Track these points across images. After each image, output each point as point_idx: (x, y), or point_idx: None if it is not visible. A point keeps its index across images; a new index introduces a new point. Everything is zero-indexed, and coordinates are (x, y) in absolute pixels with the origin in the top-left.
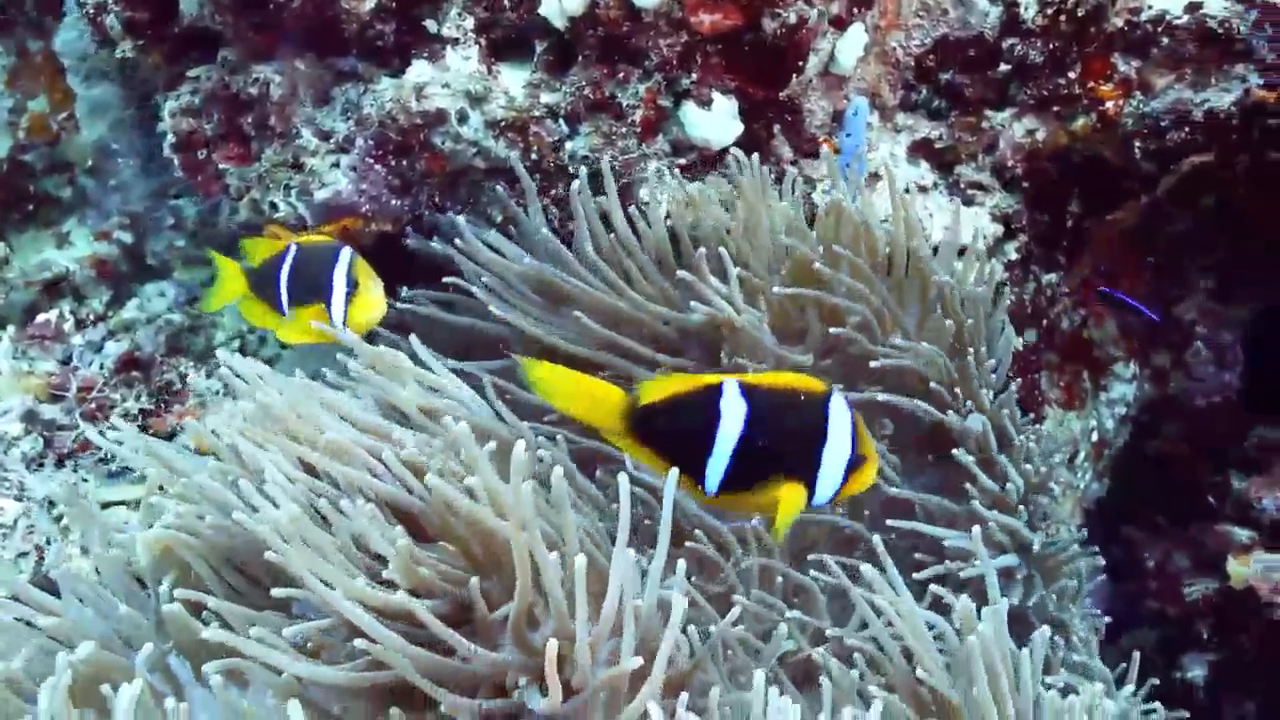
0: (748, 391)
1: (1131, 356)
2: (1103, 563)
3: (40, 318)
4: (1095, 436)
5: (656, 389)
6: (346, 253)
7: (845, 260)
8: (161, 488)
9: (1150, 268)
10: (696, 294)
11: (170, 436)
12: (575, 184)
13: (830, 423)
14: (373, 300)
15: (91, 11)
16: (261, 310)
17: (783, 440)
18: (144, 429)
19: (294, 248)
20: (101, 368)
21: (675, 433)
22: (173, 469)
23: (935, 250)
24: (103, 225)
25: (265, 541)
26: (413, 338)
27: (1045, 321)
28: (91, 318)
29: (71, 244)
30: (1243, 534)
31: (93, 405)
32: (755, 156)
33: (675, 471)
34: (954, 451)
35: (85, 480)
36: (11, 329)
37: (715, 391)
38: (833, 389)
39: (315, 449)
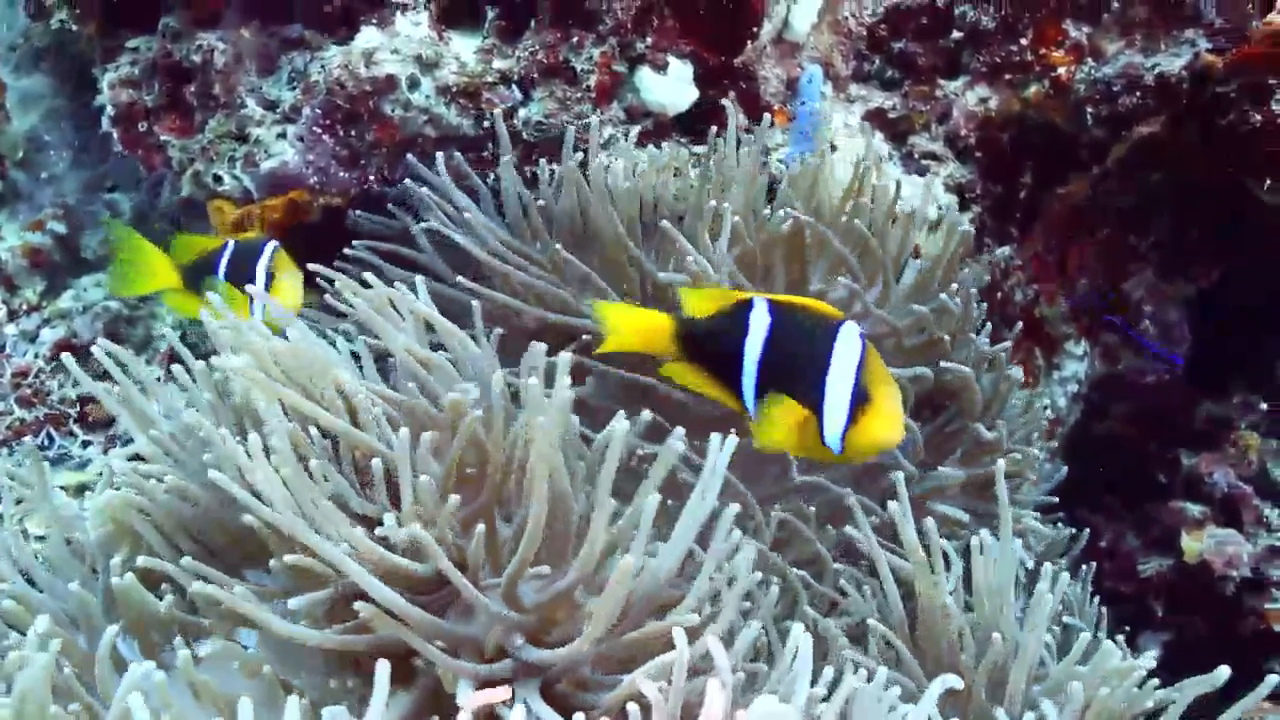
0: (775, 308)
1: (1082, 334)
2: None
3: None
4: (1049, 414)
5: (698, 304)
6: (270, 246)
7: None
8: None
9: (1099, 244)
10: (676, 251)
11: (110, 422)
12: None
13: (835, 350)
14: (286, 292)
15: None
16: (195, 304)
17: (793, 361)
18: (82, 416)
19: (231, 244)
20: (36, 356)
21: (714, 350)
22: (142, 416)
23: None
24: (35, 217)
25: (247, 502)
26: (419, 280)
27: (999, 295)
28: (25, 307)
29: (2, 238)
30: (1195, 509)
31: (28, 391)
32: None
33: (733, 439)
34: (978, 426)
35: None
36: None
37: (747, 307)
38: (845, 319)
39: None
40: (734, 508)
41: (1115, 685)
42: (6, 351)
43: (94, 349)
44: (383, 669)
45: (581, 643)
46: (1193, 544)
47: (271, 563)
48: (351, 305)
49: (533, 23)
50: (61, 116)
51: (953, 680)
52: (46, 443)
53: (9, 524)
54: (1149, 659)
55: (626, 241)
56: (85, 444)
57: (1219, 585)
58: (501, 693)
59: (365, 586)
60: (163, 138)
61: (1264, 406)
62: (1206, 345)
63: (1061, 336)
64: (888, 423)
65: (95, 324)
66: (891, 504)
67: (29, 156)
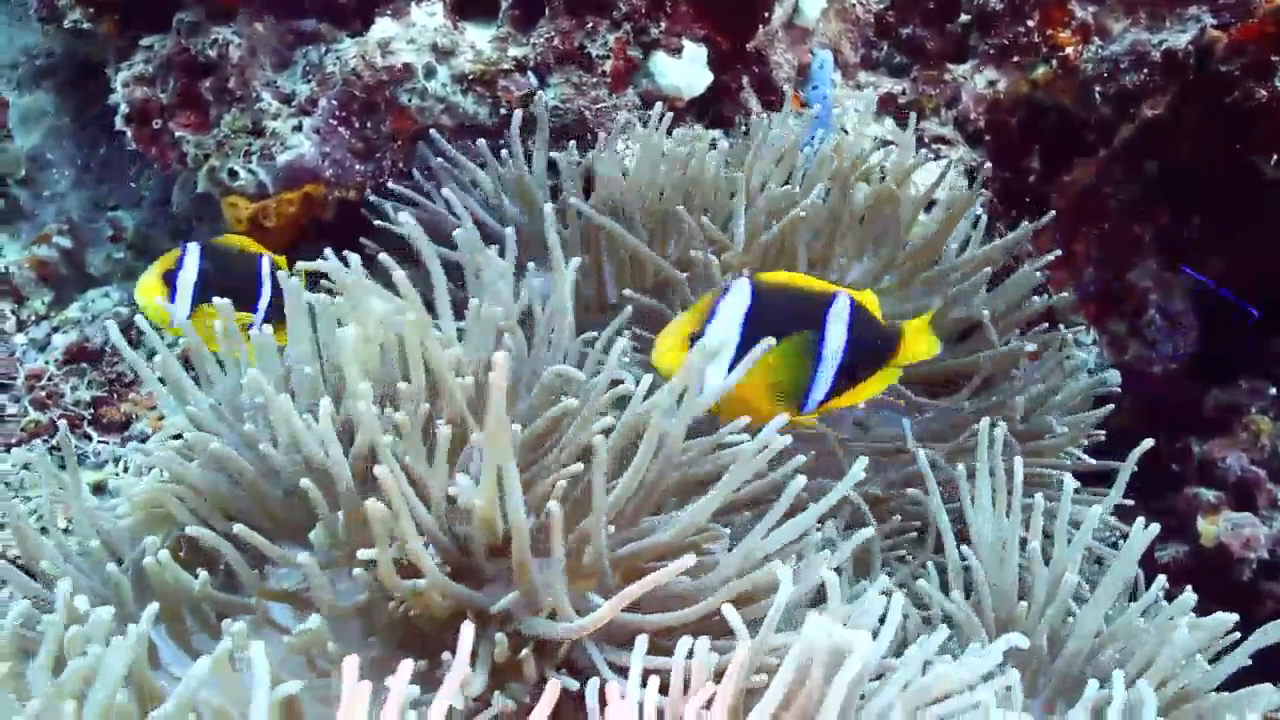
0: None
1: (1090, 323)
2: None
3: None
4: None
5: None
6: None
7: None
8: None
9: (1105, 234)
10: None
11: (125, 425)
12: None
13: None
14: None
15: None
16: None
17: None
18: (96, 418)
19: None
20: (49, 361)
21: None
22: (180, 390)
23: None
24: (39, 234)
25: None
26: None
27: None
28: (34, 318)
29: (4, 257)
30: (1209, 494)
31: (43, 393)
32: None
33: (863, 460)
34: (1048, 419)
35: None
36: None
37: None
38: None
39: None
40: (868, 531)
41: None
42: (18, 357)
43: (138, 319)
44: (467, 630)
45: (703, 607)
46: (1209, 528)
47: (313, 534)
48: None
49: (547, 10)
50: (64, 135)
51: (1017, 639)
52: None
53: (47, 515)
54: (1227, 615)
55: (697, 228)
56: (100, 445)
57: (1236, 569)
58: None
59: (511, 516)
60: (177, 134)
61: (1273, 391)
62: (1214, 333)
63: (1070, 325)
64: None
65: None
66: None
67: (31, 174)
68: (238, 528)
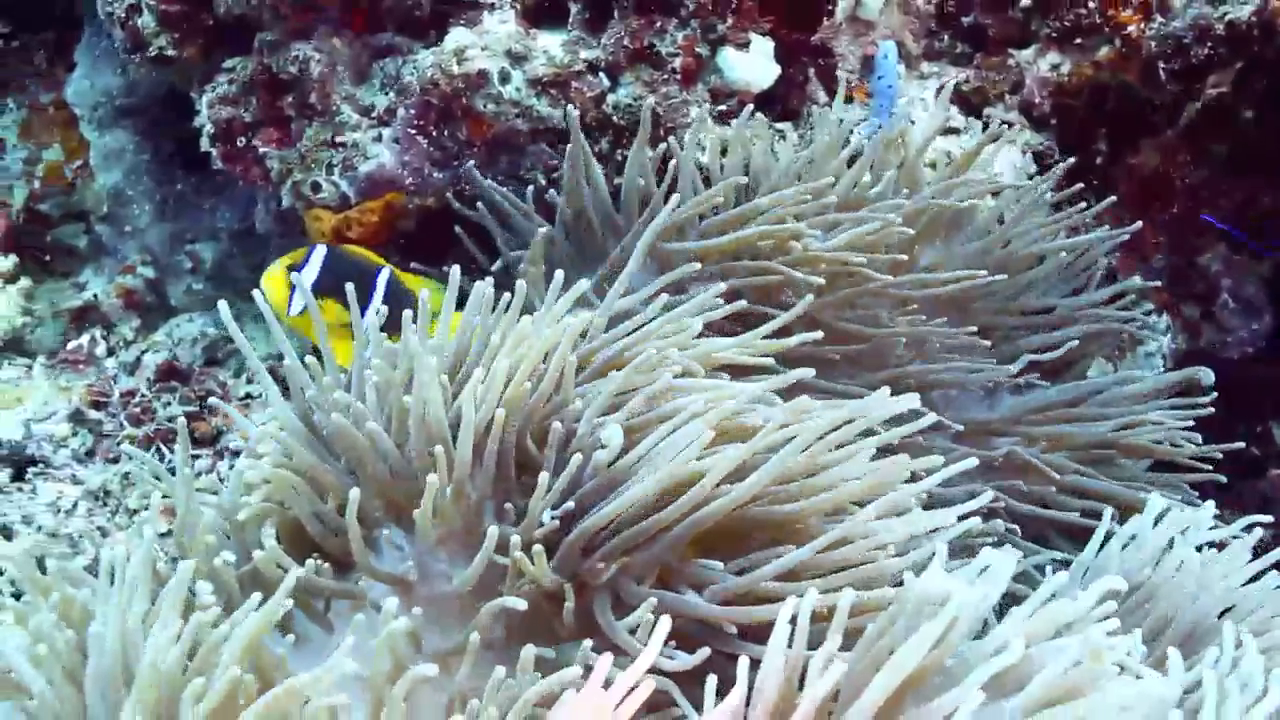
0: None
1: (1164, 308)
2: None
3: (71, 344)
4: None
5: None
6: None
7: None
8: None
9: (1174, 217)
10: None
11: (215, 439)
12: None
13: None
14: None
15: (122, 15)
16: None
17: None
18: (189, 432)
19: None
20: (140, 383)
21: None
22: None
23: None
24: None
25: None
26: None
27: None
28: (122, 343)
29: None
30: None
31: (137, 409)
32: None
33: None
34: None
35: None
36: (41, 358)
37: None
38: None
39: None
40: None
41: None
42: (111, 376)
43: (255, 292)
44: (664, 624)
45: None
46: None
47: (415, 514)
48: None
49: (616, 12)
50: (142, 172)
51: (1114, 581)
52: (157, 458)
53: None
54: None
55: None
56: (194, 458)
57: None
58: None
59: None
60: (261, 150)
61: None
62: None
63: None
64: None
65: (195, 348)
66: None
67: (113, 211)
68: (351, 493)
